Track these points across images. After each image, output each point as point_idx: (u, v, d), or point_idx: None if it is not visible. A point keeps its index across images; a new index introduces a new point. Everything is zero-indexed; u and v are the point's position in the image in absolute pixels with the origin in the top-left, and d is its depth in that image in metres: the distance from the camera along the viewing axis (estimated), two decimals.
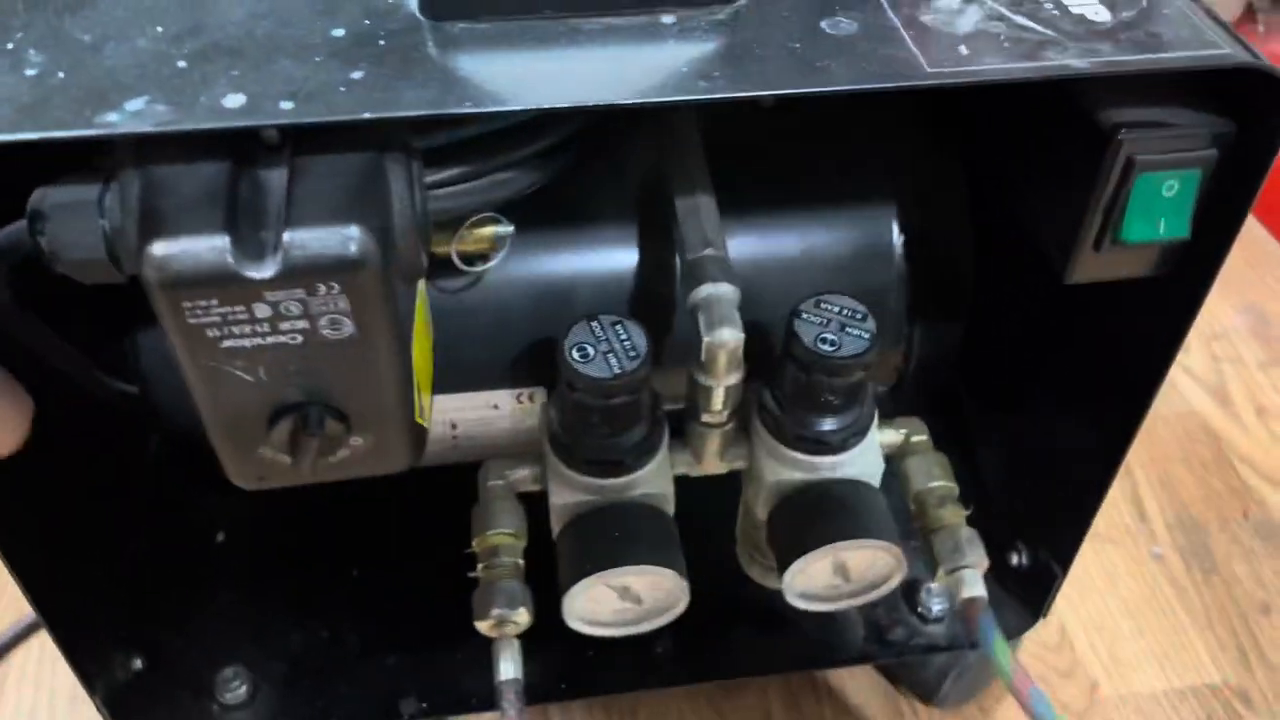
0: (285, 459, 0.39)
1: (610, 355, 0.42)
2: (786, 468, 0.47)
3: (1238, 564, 0.72)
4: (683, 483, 0.48)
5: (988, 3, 0.38)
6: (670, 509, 0.47)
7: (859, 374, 0.44)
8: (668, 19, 0.37)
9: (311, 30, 0.35)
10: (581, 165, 0.46)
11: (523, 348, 0.51)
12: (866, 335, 0.43)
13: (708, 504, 0.52)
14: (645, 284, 0.51)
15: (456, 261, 0.45)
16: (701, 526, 0.57)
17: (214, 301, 0.33)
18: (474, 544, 0.47)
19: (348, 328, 0.35)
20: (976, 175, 0.54)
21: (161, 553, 0.59)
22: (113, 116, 0.31)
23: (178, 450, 0.59)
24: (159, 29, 0.35)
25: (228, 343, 0.34)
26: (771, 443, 0.47)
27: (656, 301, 0.50)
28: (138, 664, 0.54)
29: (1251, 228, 0.98)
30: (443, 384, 0.51)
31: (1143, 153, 0.39)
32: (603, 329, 0.43)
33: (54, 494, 0.48)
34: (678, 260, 0.50)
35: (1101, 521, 0.52)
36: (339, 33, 0.35)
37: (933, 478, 0.48)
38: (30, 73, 0.33)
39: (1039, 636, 0.66)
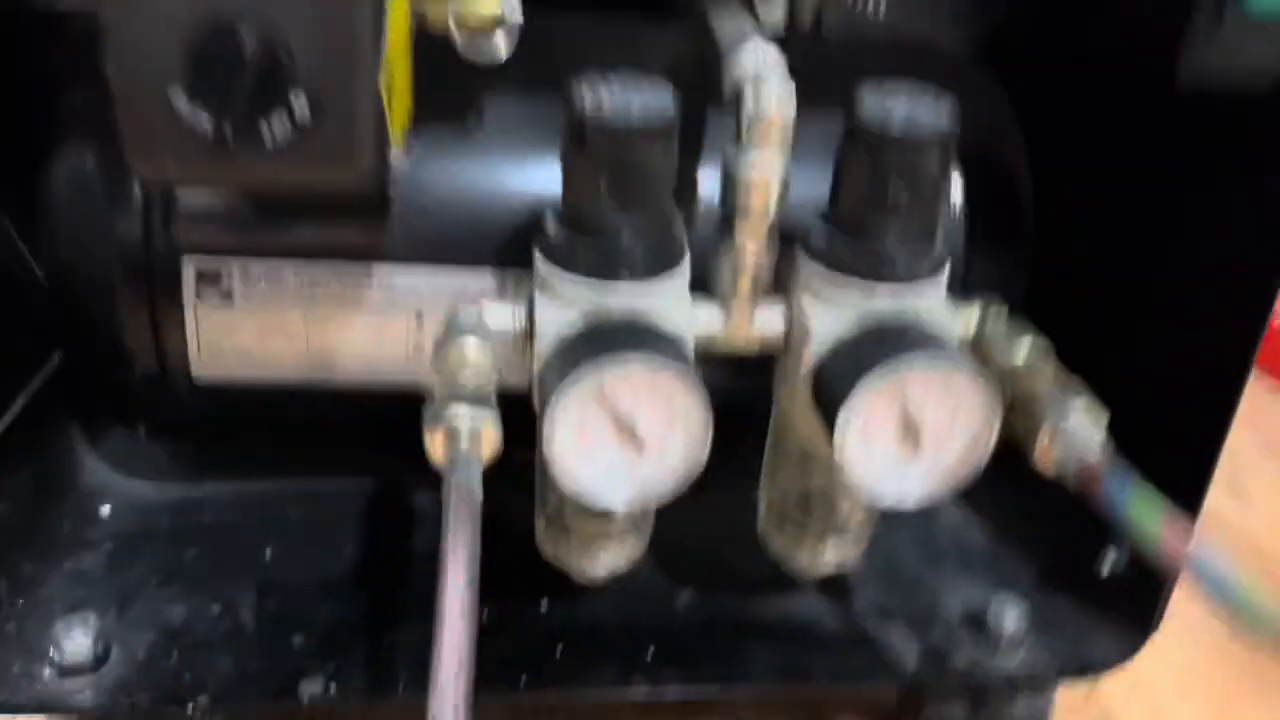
0: (205, 125, 0.30)
1: (630, 101, 0.34)
2: (840, 306, 0.37)
3: None
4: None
5: None
6: (689, 351, 0.36)
7: (938, 157, 0.35)
8: None
9: None
10: None
11: (513, 216, 0.43)
12: (944, 111, 0.35)
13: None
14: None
15: (455, 36, 0.37)
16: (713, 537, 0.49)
17: None
18: (431, 365, 0.35)
19: None
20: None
21: (13, 487, 0.46)
22: None
23: (76, 383, 0.48)
24: None
25: None
26: (821, 276, 0.37)
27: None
28: None
29: None
30: (415, 252, 0.43)
31: None
32: (620, 84, 0.35)
33: None
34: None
35: None
36: None
37: (1019, 341, 0.38)
38: None
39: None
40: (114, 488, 0.51)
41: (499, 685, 0.43)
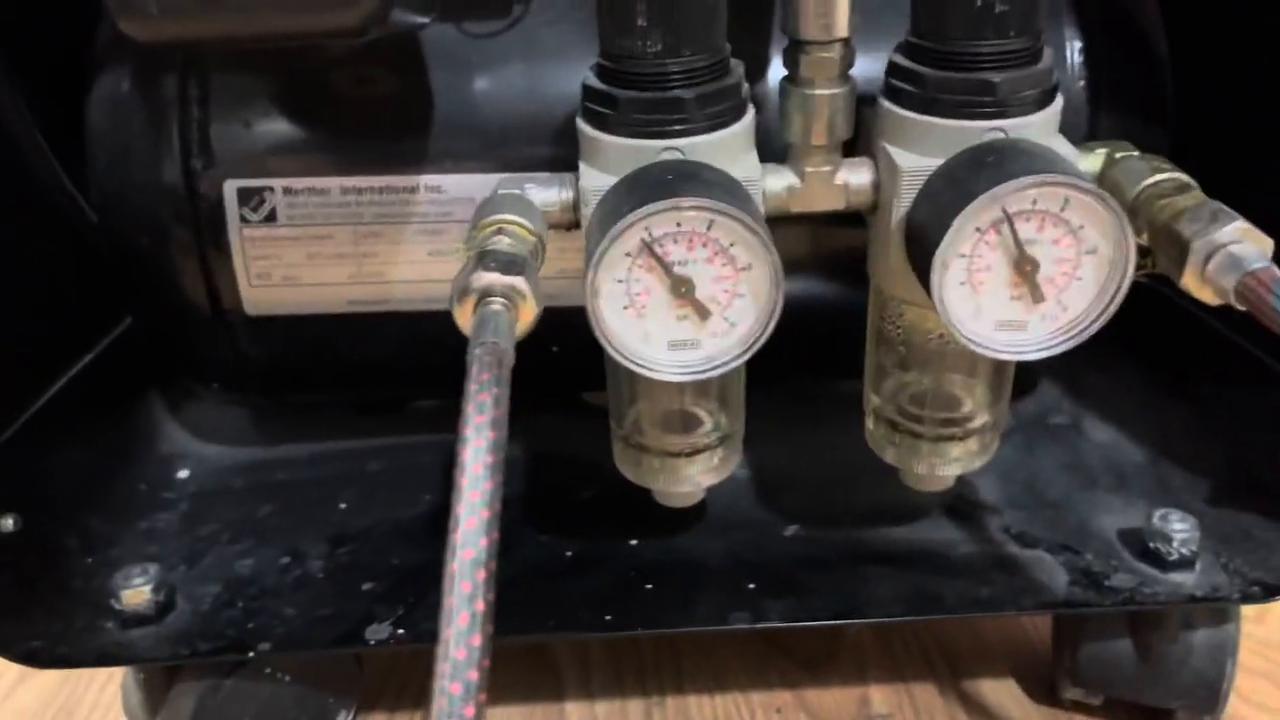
0: None
1: None
2: (931, 151, 0.31)
3: None
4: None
5: None
6: (757, 205, 0.32)
7: None
8: None
9: None
10: None
11: (564, 114, 0.39)
12: None
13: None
14: None
15: None
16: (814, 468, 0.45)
17: None
18: (464, 246, 0.32)
19: None
20: None
21: (95, 451, 0.45)
22: None
23: (148, 346, 0.47)
24: None
25: None
26: (910, 120, 0.32)
27: None
28: (7, 524, 0.38)
29: None
30: (465, 162, 0.39)
31: None
32: None
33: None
34: None
35: None
36: None
37: (1157, 172, 0.32)
38: None
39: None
40: (192, 452, 0.49)
41: (586, 628, 0.39)
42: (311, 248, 0.40)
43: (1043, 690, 0.45)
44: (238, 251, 0.40)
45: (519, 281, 0.28)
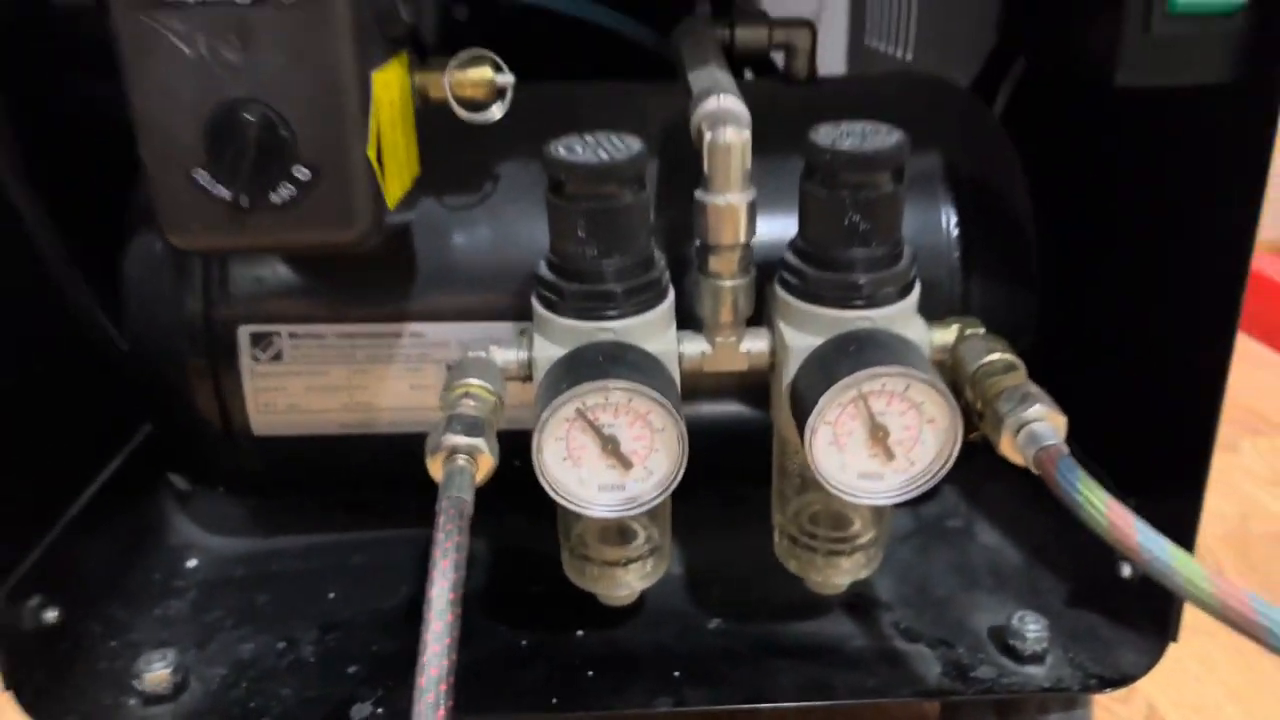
0: (224, 192, 0.35)
1: (601, 149, 0.38)
2: (812, 332, 0.40)
3: None
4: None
5: None
6: (671, 376, 0.40)
7: (887, 183, 0.38)
8: None
9: None
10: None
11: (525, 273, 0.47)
12: (891, 137, 0.38)
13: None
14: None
15: (454, 106, 0.42)
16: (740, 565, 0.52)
17: None
18: (439, 403, 0.39)
19: None
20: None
21: (116, 545, 0.52)
22: None
23: (164, 453, 0.54)
24: None
25: None
26: (795, 307, 0.40)
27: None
28: (51, 616, 0.45)
29: None
30: (442, 313, 0.47)
31: None
32: (594, 138, 0.39)
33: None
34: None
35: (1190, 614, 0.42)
36: None
37: (992, 352, 0.40)
38: None
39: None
40: (199, 543, 0.56)
41: (533, 709, 0.46)
42: (311, 382, 0.48)
43: None
44: (248, 384, 0.48)
45: (479, 442, 0.36)
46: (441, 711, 0.29)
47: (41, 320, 0.48)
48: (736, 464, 0.47)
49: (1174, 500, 0.43)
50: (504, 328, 0.48)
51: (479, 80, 0.42)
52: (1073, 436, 0.37)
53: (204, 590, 0.53)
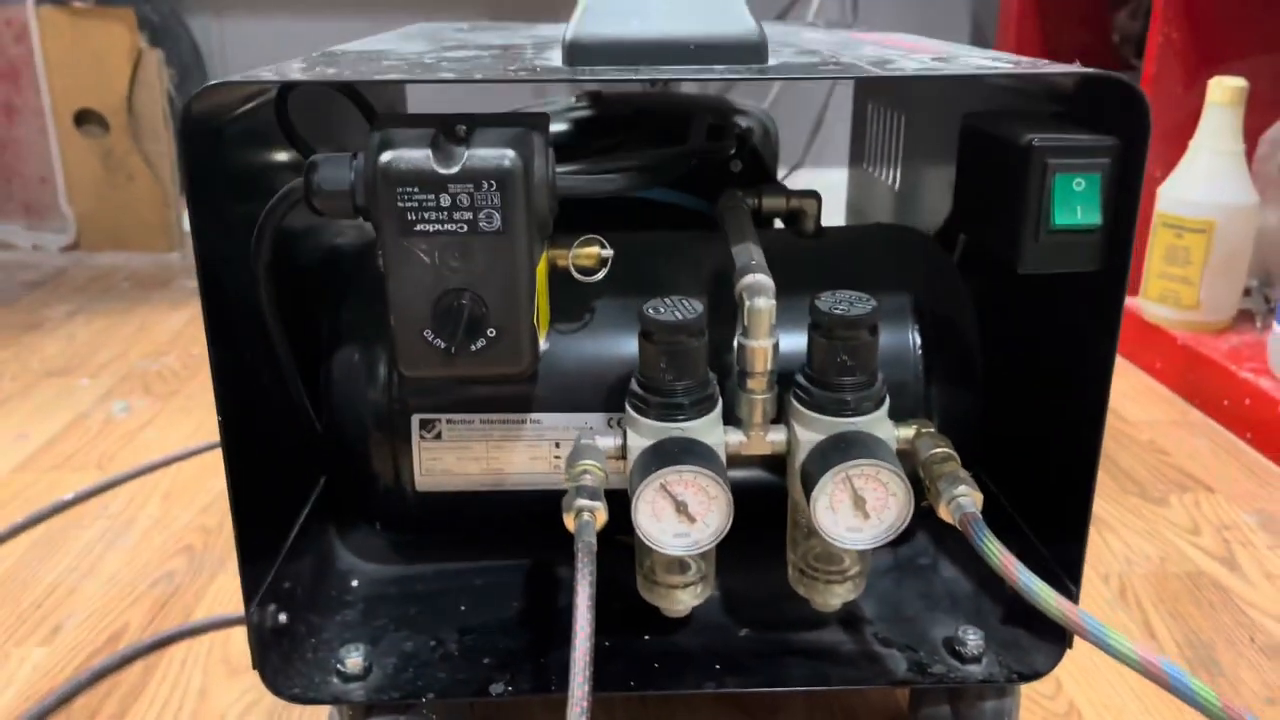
0: (440, 344, 0.55)
1: (676, 311, 0.58)
2: (816, 431, 0.59)
3: (1244, 671, 0.76)
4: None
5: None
6: (721, 460, 0.59)
7: (866, 335, 0.58)
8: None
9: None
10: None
11: (614, 378, 0.67)
12: (869, 305, 0.58)
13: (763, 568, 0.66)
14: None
15: (572, 271, 0.62)
16: (763, 589, 0.70)
17: (414, 189, 0.52)
18: (564, 476, 0.59)
19: (496, 221, 0.52)
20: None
21: (307, 568, 0.72)
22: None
23: (335, 499, 0.74)
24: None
25: (419, 226, 0.52)
26: (804, 413, 0.60)
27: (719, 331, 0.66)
28: (282, 619, 0.65)
29: (1259, 459, 1.11)
30: (552, 405, 0.67)
31: (1053, 158, 0.56)
32: (672, 301, 0.59)
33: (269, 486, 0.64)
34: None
35: None
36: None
37: (937, 447, 0.59)
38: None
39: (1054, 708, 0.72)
40: (358, 568, 0.76)
41: (617, 688, 0.65)
42: (460, 453, 0.68)
43: None
44: (416, 456, 0.68)
45: (598, 505, 0.56)
46: (580, 677, 0.48)
47: (276, 408, 0.68)
48: (763, 517, 0.67)
49: (1069, 545, 0.63)
50: (595, 417, 0.67)
51: (591, 255, 0.62)
52: (1007, 497, 0.56)
53: (368, 603, 0.73)
